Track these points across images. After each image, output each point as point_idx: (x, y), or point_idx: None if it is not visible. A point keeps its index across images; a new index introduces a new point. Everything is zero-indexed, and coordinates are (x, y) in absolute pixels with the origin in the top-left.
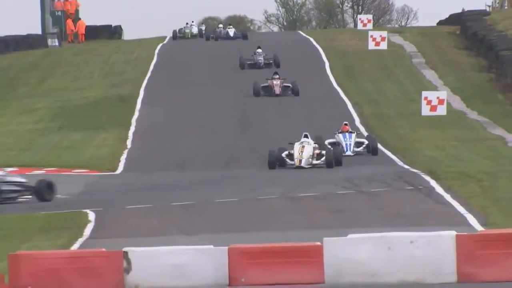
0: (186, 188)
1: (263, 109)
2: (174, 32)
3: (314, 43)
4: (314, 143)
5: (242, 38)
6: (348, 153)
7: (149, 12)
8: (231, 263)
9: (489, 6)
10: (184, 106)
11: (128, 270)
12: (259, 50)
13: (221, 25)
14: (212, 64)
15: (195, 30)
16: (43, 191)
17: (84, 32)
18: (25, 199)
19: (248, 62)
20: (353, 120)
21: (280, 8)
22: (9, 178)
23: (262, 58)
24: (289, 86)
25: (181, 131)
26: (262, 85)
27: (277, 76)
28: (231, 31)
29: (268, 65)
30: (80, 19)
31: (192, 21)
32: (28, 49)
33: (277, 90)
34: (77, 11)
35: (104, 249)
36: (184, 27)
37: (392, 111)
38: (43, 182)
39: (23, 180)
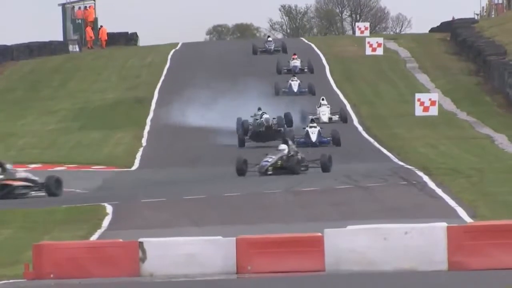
0: (197, 183)
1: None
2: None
3: (315, 48)
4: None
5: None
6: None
7: (162, 20)
8: (239, 252)
9: (477, 15)
10: (196, 106)
11: (143, 259)
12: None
13: (270, 38)
14: (225, 67)
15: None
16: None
17: (106, 38)
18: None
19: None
20: (351, 120)
21: (284, 16)
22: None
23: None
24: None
25: (192, 130)
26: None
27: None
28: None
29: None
30: (101, 26)
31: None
32: (50, 55)
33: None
34: (96, 19)
35: (121, 240)
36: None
37: (388, 111)
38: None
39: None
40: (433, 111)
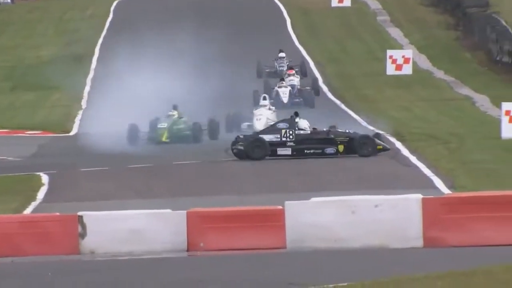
0: (144, 150)
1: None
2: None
3: None
4: None
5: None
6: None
7: None
8: (190, 227)
9: None
10: (142, 66)
11: (83, 235)
12: (282, 54)
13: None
14: (171, 23)
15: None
16: None
17: None
18: None
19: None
20: (315, 80)
21: None
22: None
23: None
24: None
25: (138, 91)
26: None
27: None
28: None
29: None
30: None
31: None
32: None
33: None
34: None
35: (58, 213)
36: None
37: (356, 70)
38: None
39: None
40: (407, 69)
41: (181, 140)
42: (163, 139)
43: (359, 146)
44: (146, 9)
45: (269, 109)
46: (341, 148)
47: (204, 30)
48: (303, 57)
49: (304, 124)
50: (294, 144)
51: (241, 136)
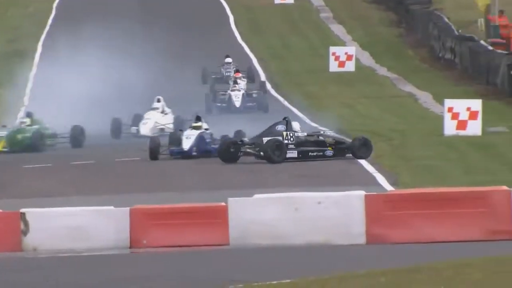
0: (87, 147)
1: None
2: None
3: None
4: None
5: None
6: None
7: None
8: (133, 224)
9: None
10: (84, 62)
11: (25, 232)
12: (229, 60)
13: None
14: (114, 20)
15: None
16: None
17: None
18: None
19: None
20: (258, 76)
21: None
22: None
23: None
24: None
25: (81, 87)
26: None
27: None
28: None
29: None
30: None
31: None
32: None
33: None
34: None
35: (0, 210)
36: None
37: (299, 67)
38: None
39: None
40: (350, 66)
41: (23, 149)
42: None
43: (357, 148)
44: (89, 6)
45: (162, 112)
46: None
47: (146, 27)
48: (250, 62)
49: (297, 126)
50: (294, 147)
51: (245, 140)
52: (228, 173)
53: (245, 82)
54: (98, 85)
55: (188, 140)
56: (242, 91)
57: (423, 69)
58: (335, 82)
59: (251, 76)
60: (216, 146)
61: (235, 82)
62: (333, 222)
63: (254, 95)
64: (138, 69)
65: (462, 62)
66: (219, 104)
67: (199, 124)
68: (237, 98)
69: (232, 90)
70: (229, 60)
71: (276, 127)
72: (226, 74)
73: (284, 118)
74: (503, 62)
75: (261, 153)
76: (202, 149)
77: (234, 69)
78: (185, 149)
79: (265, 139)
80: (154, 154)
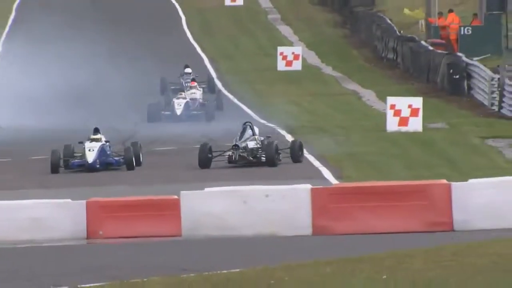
0: (44, 142)
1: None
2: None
3: None
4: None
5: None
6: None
7: None
8: (89, 216)
9: None
10: (40, 64)
11: None
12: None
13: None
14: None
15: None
16: None
17: None
18: None
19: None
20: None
21: None
22: None
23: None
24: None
25: (40, 90)
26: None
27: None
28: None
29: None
30: None
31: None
32: None
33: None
34: None
35: None
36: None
37: (248, 66)
38: None
39: None
40: (297, 65)
41: None
42: None
43: (297, 153)
44: (49, 8)
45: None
46: None
47: (101, 28)
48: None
49: (257, 131)
50: (261, 151)
51: (241, 145)
52: (178, 167)
53: (201, 92)
54: (39, 86)
55: (91, 152)
56: (187, 99)
57: (367, 68)
58: (283, 81)
59: (212, 88)
60: (117, 158)
61: (182, 91)
62: (281, 214)
63: (205, 103)
64: (90, 75)
65: (404, 61)
66: (164, 112)
67: (98, 136)
68: (178, 106)
69: (177, 98)
70: (188, 70)
71: (248, 131)
72: (186, 84)
73: (246, 123)
74: (443, 62)
75: (263, 157)
76: (103, 161)
77: (192, 77)
78: (90, 162)
79: (250, 143)
80: (55, 167)
